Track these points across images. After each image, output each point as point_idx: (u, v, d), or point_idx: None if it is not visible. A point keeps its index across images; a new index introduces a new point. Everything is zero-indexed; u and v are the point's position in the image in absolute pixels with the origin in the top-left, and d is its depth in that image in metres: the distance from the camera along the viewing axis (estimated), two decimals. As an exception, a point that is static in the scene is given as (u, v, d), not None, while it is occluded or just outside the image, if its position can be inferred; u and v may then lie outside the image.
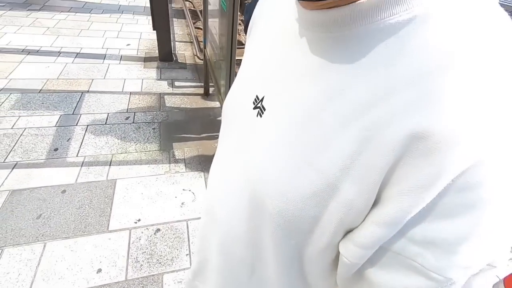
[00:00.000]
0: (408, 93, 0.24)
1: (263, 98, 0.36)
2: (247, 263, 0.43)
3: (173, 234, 1.58)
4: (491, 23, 0.24)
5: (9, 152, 1.92)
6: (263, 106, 0.36)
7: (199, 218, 1.67)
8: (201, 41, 3.50)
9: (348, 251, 0.30)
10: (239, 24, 2.11)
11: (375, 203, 0.27)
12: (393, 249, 0.27)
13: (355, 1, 0.26)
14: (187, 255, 1.50)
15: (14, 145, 1.97)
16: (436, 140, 0.22)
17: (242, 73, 0.45)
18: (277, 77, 0.35)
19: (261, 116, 0.36)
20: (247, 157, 0.38)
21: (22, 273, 1.32)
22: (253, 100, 0.38)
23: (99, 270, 1.38)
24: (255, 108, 0.37)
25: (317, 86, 0.30)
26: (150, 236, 1.55)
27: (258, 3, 0.47)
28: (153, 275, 1.39)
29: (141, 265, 1.42)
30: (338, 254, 0.33)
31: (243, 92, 0.41)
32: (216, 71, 2.42)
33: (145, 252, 1.48)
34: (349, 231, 0.30)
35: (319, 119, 0.29)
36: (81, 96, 2.56)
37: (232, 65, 1.93)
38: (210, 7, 2.56)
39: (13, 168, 1.81)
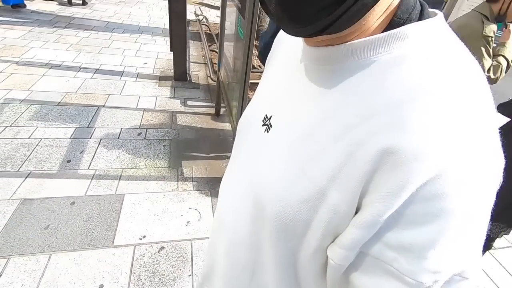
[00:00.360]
0: (384, 117, 0.29)
1: (271, 116, 0.42)
2: (248, 267, 0.47)
3: (177, 253, 1.57)
4: (456, 64, 0.30)
5: (24, 162, 1.97)
6: (270, 124, 0.42)
7: (203, 238, 1.67)
8: (215, 63, 3.63)
9: (334, 253, 0.34)
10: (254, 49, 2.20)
11: (357, 210, 0.31)
12: (372, 254, 0.31)
13: (348, 41, 0.32)
14: (189, 276, 1.48)
15: (30, 155, 2.03)
16: (402, 155, 0.27)
17: (256, 95, 0.51)
18: (284, 99, 0.41)
19: (268, 132, 0.42)
20: (254, 166, 0.43)
21: (25, 284, 1.32)
22: (263, 118, 0.44)
23: (101, 286, 1.37)
24: (263, 125, 0.43)
25: (315, 109, 0.35)
26: (154, 254, 1.55)
27: (276, 37, 0.53)
28: (154, 294, 1.37)
29: (143, 283, 1.41)
30: (327, 259, 0.36)
31: (255, 111, 0.47)
32: (229, 93, 2.49)
33: (148, 270, 1.47)
34: (336, 237, 0.34)
35: (314, 136, 0.34)
36: (97, 110, 2.65)
37: (245, 87, 1.99)
38: (226, 31, 2.69)
39: (26, 178, 1.86)
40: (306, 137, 0.35)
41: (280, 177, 0.37)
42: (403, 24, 0.31)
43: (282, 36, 0.51)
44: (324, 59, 0.35)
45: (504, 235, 1.81)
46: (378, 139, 0.28)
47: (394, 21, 0.31)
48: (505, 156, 0.29)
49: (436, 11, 0.34)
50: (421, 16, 0.32)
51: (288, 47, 0.46)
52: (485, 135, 0.28)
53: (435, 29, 0.31)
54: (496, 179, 0.29)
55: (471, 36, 1.61)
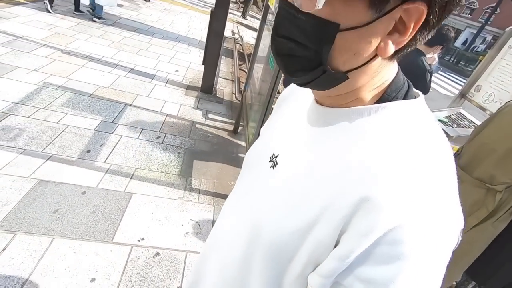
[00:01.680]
0: (363, 171, 0.35)
1: (278, 155, 0.49)
2: (237, 286, 0.52)
3: (170, 262, 1.60)
4: (424, 137, 0.37)
5: (48, 144, 2.09)
6: (276, 161, 0.48)
7: (198, 252, 1.69)
8: (242, 82, 3.76)
9: (313, 280, 0.39)
10: (281, 79, 2.28)
11: (336, 244, 0.37)
12: (344, 284, 0.36)
13: (344, 107, 0.41)
14: (178, 287, 1.49)
15: (55, 139, 2.16)
16: (373, 206, 0.33)
17: (266, 133, 0.59)
18: (290, 143, 0.48)
19: (273, 168, 0.48)
20: (257, 196, 0.49)
21: (25, 262, 1.38)
22: (271, 155, 0.50)
23: (93, 280, 1.41)
24: (270, 161, 0.50)
25: (312, 156, 0.42)
26: (149, 258, 1.58)
27: (290, 87, 0.61)
28: (141, 299, 1.39)
29: (133, 285, 1.44)
30: (307, 286, 0.41)
31: (264, 148, 0.54)
32: (250, 114, 2.57)
33: (139, 273, 1.50)
34: (316, 266, 0.39)
35: (309, 178, 0.41)
36: (123, 108, 2.79)
37: (267, 112, 2.07)
38: (258, 53, 2.81)
39: (47, 160, 1.96)
40: (303, 179, 0.41)
41: (278, 208, 0.43)
42: (391, 100, 0.39)
43: (295, 88, 0.59)
44: (324, 117, 0.43)
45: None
46: (357, 189, 0.34)
47: (384, 97, 0.39)
48: None
49: (419, 92, 0.42)
50: (406, 96, 0.40)
51: (299, 99, 0.53)
52: (441, 199, 0.33)
53: (413, 108, 0.39)
54: (452, 236, 0.34)
55: None
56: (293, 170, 0.44)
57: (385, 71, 0.39)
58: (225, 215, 0.60)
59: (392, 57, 0.37)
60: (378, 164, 0.35)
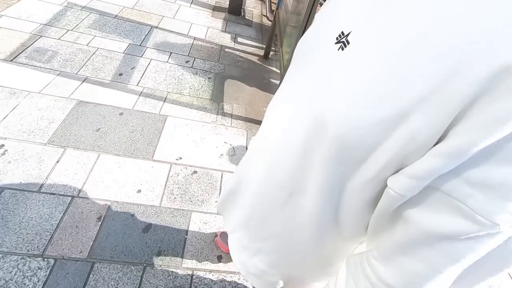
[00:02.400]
0: (505, 32, 0.23)
1: (349, 33, 0.37)
2: (287, 188, 0.46)
3: (208, 179, 1.68)
4: None
5: (82, 67, 2.09)
6: (347, 41, 0.37)
7: (233, 172, 1.74)
8: (274, 3, 3.38)
9: (397, 183, 0.31)
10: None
11: (440, 140, 0.28)
12: (443, 189, 0.28)
13: None
14: (216, 201, 1.59)
15: (87, 61, 2.14)
16: None
17: (326, 15, 0.45)
18: (367, 15, 0.36)
19: (343, 49, 0.37)
20: (318, 86, 0.39)
21: (78, 173, 1.51)
22: (338, 35, 0.38)
23: (139, 191, 1.52)
24: (337, 42, 0.38)
25: (411, 23, 0.30)
26: (187, 175, 1.66)
27: None
28: (183, 209, 1.51)
29: (175, 198, 1.55)
30: (379, 191, 0.34)
31: (326, 29, 0.42)
32: (284, 36, 2.35)
33: (180, 188, 1.60)
34: (400, 168, 0.31)
35: (408, 54, 0.29)
36: (150, 30, 2.66)
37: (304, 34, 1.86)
38: (294, -33, 2.43)
39: (83, 82, 1.99)
40: (396, 55, 0.30)
41: (355, 96, 0.33)
42: None
43: None
44: None
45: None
46: (495, 57, 0.24)
47: None
48: None
49: None
50: None
51: None
52: None
53: None
54: None
55: None
56: (376, 49, 0.33)
57: None
58: (273, 113, 0.50)
59: None
60: None
